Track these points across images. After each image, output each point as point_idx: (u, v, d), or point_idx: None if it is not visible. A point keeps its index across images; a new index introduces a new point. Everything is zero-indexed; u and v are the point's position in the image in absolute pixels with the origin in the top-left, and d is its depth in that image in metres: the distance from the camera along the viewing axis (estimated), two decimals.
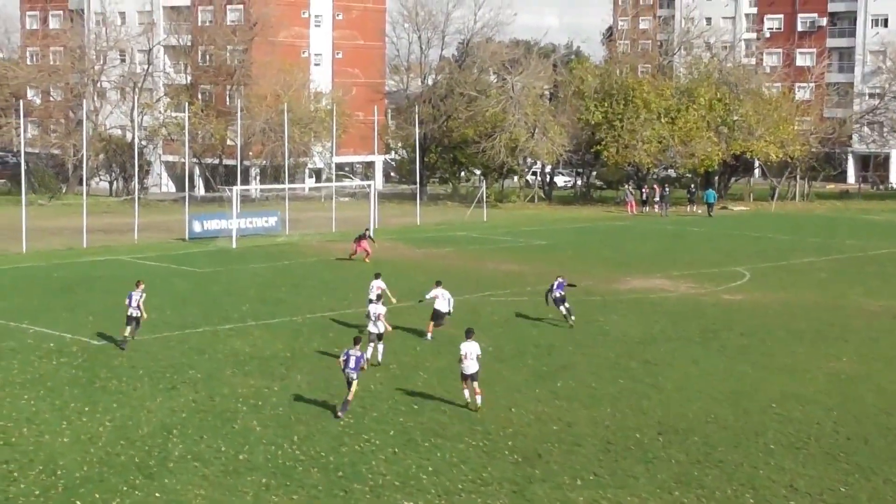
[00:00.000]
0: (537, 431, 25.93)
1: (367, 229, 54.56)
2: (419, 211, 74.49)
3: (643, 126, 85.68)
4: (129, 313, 33.55)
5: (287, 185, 74.07)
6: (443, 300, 35.49)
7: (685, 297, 44.41)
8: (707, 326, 38.30)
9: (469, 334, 27.92)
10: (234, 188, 63.92)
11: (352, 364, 26.95)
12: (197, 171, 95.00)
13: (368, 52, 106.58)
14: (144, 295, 34.00)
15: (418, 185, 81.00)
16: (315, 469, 23.20)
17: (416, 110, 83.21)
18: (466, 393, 27.62)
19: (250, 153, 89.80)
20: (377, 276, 36.97)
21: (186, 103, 76.79)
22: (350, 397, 26.80)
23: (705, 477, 23.07)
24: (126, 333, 33.72)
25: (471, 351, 27.45)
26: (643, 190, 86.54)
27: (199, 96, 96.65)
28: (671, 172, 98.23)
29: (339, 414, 26.62)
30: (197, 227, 62.86)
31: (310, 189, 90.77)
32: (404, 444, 24.89)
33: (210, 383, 29.75)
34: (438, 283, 36.11)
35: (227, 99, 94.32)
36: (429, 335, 35.42)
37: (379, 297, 35.31)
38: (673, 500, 21.83)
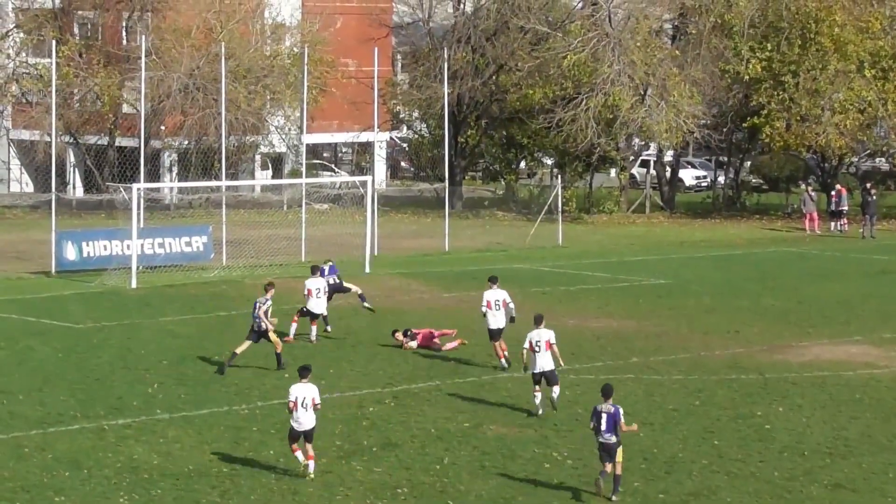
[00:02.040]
0: None
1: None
2: (449, 227, 74.60)
3: (833, 84, 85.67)
4: (252, 326, 41.78)
5: (225, 183, 74.28)
6: (497, 313, 43.15)
7: None
8: None
9: (539, 321, 32.58)
10: (135, 187, 64.11)
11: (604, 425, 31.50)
12: (70, 156, 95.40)
13: None
14: (270, 302, 42.66)
15: (447, 184, 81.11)
16: None
17: (445, 56, 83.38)
18: (537, 398, 31.64)
19: (162, 128, 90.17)
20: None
21: (53, 41, 77.06)
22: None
23: None
24: (238, 350, 41.68)
25: (542, 339, 31.89)
26: (832, 194, 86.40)
27: (76, 30, 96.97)
28: (882, 163, 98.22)
29: None
30: (70, 253, 63.14)
31: (264, 189, 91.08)
32: None
33: None
34: (493, 281, 43.96)
35: (124, 35, 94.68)
36: (503, 361, 43.10)
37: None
38: None
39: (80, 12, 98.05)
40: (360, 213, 68.59)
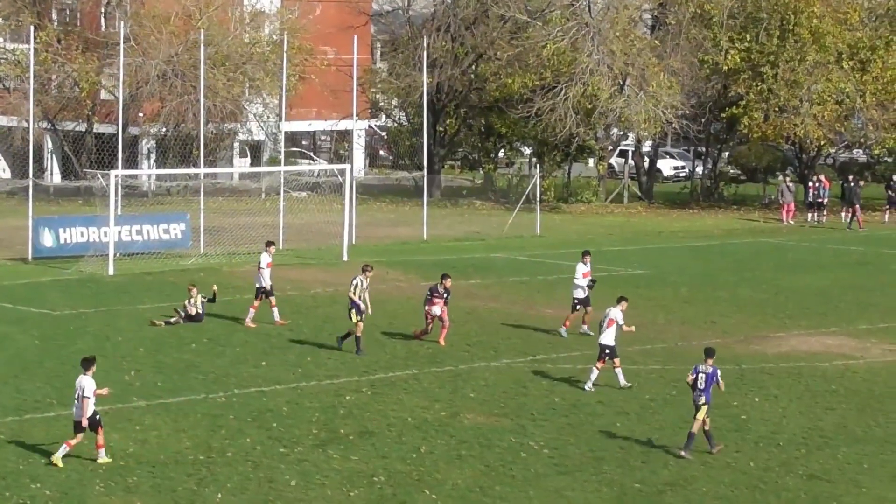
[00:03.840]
0: None
1: (445, 277, 48.70)
2: (427, 216, 74.65)
3: (812, 75, 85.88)
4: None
5: (203, 170, 74.27)
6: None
7: (880, 368, 44.54)
8: None
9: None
10: (113, 174, 64.07)
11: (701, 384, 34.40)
12: (48, 143, 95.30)
13: None
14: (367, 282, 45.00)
15: (425, 173, 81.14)
16: None
17: (425, 45, 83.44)
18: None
19: (141, 114, 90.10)
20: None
21: (31, 27, 76.99)
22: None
23: None
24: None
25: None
26: (810, 184, 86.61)
27: (54, 15, 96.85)
28: (858, 154, 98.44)
29: None
30: (48, 240, 63.13)
31: (241, 177, 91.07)
32: None
33: None
34: (586, 255, 49.72)
35: (103, 21, 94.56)
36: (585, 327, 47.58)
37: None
38: None
39: None
40: (339, 202, 68.64)
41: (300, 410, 37.78)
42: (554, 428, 36.64)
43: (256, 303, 49.28)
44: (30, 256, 62.35)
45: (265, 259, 49.41)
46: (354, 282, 44.99)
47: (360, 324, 44.22)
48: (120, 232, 62.94)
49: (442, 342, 46.15)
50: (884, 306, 55.41)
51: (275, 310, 49.18)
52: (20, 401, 38.22)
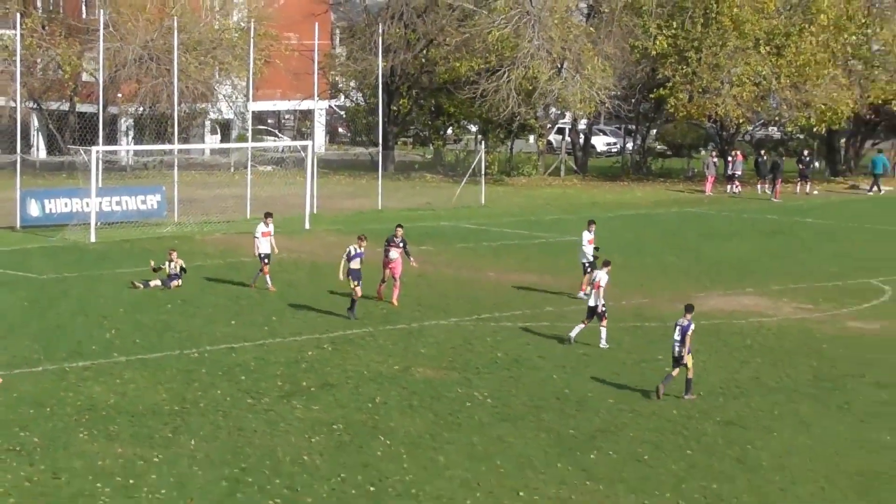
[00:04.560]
0: None
1: (398, 227, 49.45)
2: (381, 188, 74.65)
3: (732, 59, 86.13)
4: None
5: (177, 146, 74.16)
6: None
7: (791, 326, 44.87)
8: (824, 371, 38.74)
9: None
10: (94, 149, 63.92)
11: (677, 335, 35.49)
12: (34, 121, 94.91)
13: None
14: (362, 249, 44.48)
15: (380, 149, 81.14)
16: None
17: (380, 31, 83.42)
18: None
19: (119, 95, 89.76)
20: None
21: (17, 14, 76.62)
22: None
23: None
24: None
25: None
26: (729, 159, 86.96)
27: (38, 3, 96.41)
28: (774, 132, 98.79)
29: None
30: (34, 210, 62.98)
31: (212, 152, 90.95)
32: None
33: (54, 452, 29.87)
34: (591, 224, 50.60)
35: (84, 8, 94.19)
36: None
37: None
38: None
39: None
40: (301, 175, 68.66)
41: (266, 365, 37.90)
42: (497, 380, 36.83)
43: (266, 269, 48.89)
44: (18, 225, 62.20)
45: (260, 229, 49.09)
46: (348, 249, 44.59)
47: (358, 289, 44.12)
48: (101, 203, 62.76)
49: (395, 302, 46.28)
50: (794, 270, 55.77)
51: (267, 277, 48.78)
52: (9, 357, 38.16)
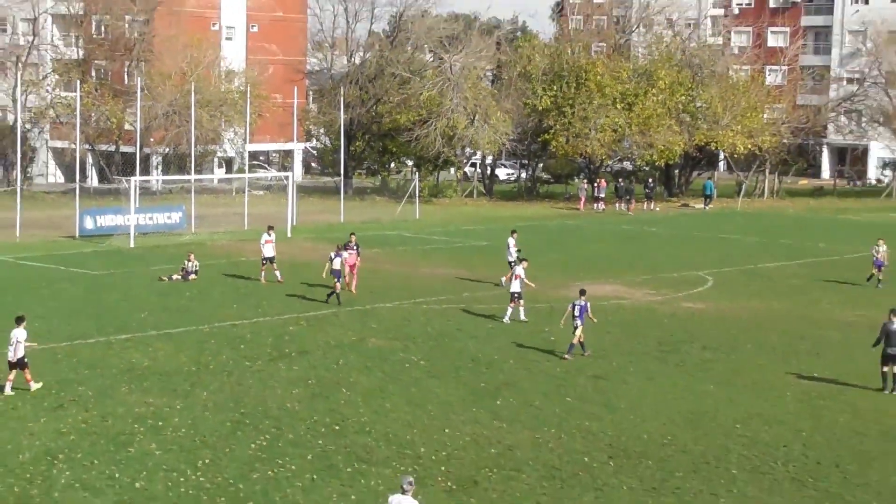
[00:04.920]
0: (474, 455, 26.13)
1: (352, 234, 49.59)
2: (343, 207, 74.54)
3: (597, 113, 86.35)
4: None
5: (194, 176, 73.94)
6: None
7: (641, 306, 44.94)
8: (665, 338, 38.76)
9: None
10: (133, 179, 63.63)
11: (577, 313, 35.46)
12: (89, 158, 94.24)
13: (288, 25, 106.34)
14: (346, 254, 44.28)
15: (342, 178, 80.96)
16: (222, 498, 23.22)
17: (342, 92, 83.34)
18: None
19: (151, 139, 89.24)
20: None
21: (78, 81, 76.06)
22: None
23: None
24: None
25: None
26: (595, 185, 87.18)
27: (93, 73, 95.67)
28: (627, 165, 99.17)
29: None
30: (89, 224, 62.51)
31: (219, 181, 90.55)
32: (324, 469, 24.98)
33: (103, 401, 29.64)
34: (514, 232, 50.47)
35: (126, 77, 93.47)
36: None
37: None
38: None
39: (96, 61, 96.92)
40: (284, 197, 68.43)
41: (259, 337, 37.64)
42: (428, 347, 36.73)
43: (264, 268, 48.58)
44: (77, 235, 61.69)
45: (264, 237, 48.84)
46: (330, 255, 44.20)
47: (338, 284, 43.62)
48: (138, 218, 62.40)
49: (354, 291, 46.05)
50: (643, 266, 55.90)
51: (277, 272, 48.47)
52: (71, 331, 37.90)
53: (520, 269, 41.39)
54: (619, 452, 26.57)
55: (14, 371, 30.30)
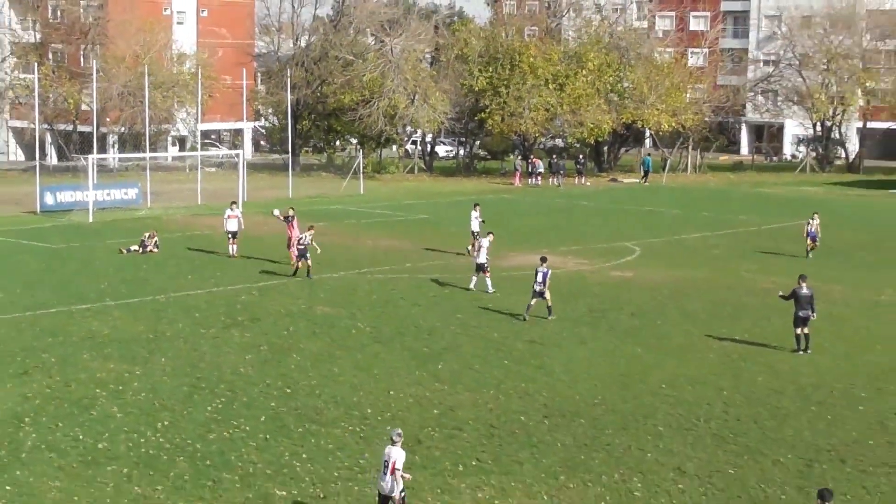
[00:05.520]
0: (417, 416, 26.29)
1: (291, 208, 48.80)
2: (291, 182, 74.25)
3: (530, 93, 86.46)
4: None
5: (148, 154, 73.39)
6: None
7: (572, 275, 45.08)
8: (595, 305, 39.00)
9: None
10: (90, 157, 63.30)
11: (539, 279, 35.90)
12: (48, 137, 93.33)
13: (236, 10, 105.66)
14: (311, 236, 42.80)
15: (290, 155, 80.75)
16: (181, 458, 23.25)
17: (288, 74, 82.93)
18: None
19: (107, 119, 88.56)
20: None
21: (36, 63, 75.45)
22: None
23: (592, 461, 23.67)
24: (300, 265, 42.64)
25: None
26: (530, 161, 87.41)
27: (50, 56, 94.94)
28: (559, 142, 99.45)
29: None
30: (49, 200, 62.06)
31: (173, 158, 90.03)
32: (276, 430, 25.06)
33: (65, 368, 29.54)
34: (476, 205, 49.50)
35: (82, 60, 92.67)
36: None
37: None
38: (559, 485, 22.38)
39: (52, 45, 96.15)
40: (235, 174, 68.13)
41: (213, 306, 37.57)
42: (373, 315, 36.80)
43: (230, 242, 47.66)
44: (38, 210, 61.20)
45: (227, 212, 48.28)
46: (300, 237, 43.16)
47: (299, 263, 42.73)
48: (96, 194, 61.95)
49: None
50: (574, 236, 56.15)
51: (232, 247, 47.66)
52: (33, 302, 37.67)
53: (485, 241, 41.38)
54: (554, 412, 26.82)
55: None
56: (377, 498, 19.90)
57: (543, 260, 36.83)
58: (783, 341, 33.79)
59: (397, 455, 19.70)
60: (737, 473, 23.19)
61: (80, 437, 24.32)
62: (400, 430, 20.16)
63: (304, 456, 23.51)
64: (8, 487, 21.55)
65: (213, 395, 27.45)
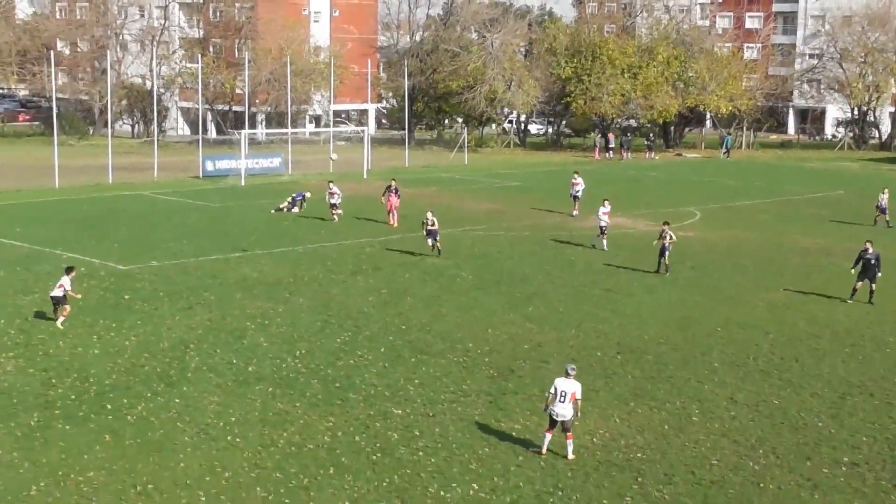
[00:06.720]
0: (510, 350, 26.30)
1: (393, 180, 47.17)
2: (407, 154, 74.39)
3: (608, 80, 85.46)
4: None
5: (290, 130, 73.87)
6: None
7: (642, 234, 44.61)
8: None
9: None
10: (243, 132, 63.71)
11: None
12: (209, 116, 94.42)
13: (362, 10, 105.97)
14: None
15: (406, 131, 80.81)
16: (315, 380, 23.54)
17: (405, 64, 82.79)
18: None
19: (257, 101, 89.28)
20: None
21: (199, 55, 76.15)
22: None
23: (657, 391, 23.50)
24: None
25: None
26: (608, 137, 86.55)
27: (211, 49, 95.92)
28: (633, 122, 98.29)
29: None
30: (209, 167, 62.80)
31: (310, 133, 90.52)
32: (393, 359, 25.25)
33: (222, 305, 29.98)
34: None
35: (236, 52, 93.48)
36: None
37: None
38: (629, 410, 22.27)
39: (213, 40, 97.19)
40: (361, 147, 68.37)
41: (342, 256, 37.51)
42: (475, 265, 36.72)
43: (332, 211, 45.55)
44: (200, 175, 62.02)
45: (329, 188, 46.01)
46: (427, 219, 37.92)
47: (429, 242, 37.89)
48: (247, 163, 62.55)
49: (395, 224, 44.55)
50: (644, 202, 55.28)
51: (336, 213, 45.44)
52: (197, 249, 38.25)
53: (603, 208, 40.20)
54: (625, 349, 26.67)
55: (59, 307, 27.24)
56: (548, 421, 19.58)
57: (666, 223, 36.11)
58: (822, 293, 33.17)
59: (576, 387, 19.39)
60: (780, 403, 22.89)
61: (234, 361, 24.73)
62: (574, 366, 19.80)
63: (416, 381, 23.67)
64: (177, 400, 22.04)
65: (342, 329, 27.71)
